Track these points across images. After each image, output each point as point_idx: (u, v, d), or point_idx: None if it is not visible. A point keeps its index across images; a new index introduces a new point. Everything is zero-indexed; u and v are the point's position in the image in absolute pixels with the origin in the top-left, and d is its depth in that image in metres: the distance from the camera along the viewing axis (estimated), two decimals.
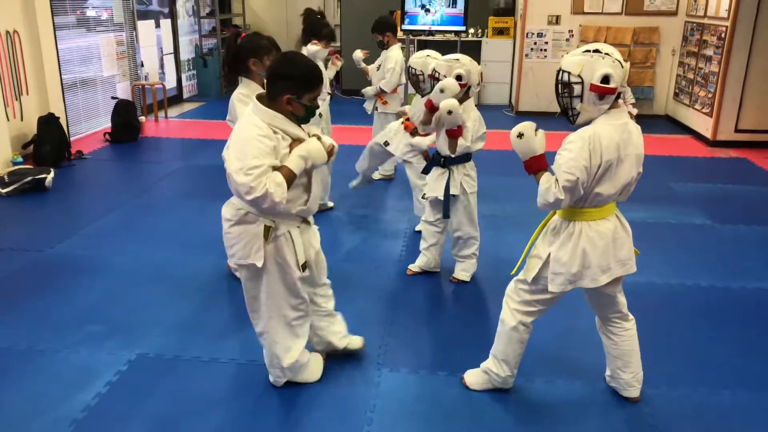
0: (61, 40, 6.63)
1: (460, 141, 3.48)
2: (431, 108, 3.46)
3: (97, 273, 3.91)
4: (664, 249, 4.40)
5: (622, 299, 2.64)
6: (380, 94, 5.33)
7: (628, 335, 2.67)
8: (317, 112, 4.30)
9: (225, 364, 2.96)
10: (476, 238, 3.81)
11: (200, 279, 3.84)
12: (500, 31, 9.12)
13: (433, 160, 3.69)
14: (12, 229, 4.65)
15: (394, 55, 5.27)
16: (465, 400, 2.76)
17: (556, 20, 8.53)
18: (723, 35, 7.01)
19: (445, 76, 3.53)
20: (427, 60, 4.08)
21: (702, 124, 7.53)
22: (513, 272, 2.69)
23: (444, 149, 3.56)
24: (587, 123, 2.40)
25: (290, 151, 2.46)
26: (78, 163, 6.29)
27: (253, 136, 2.40)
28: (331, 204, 5.03)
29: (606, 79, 2.31)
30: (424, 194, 3.79)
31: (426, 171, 3.77)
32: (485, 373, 2.79)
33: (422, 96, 4.10)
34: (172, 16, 9.07)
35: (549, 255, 2.49)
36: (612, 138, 2.35)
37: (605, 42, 8.33)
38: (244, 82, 3.43)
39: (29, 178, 5.33)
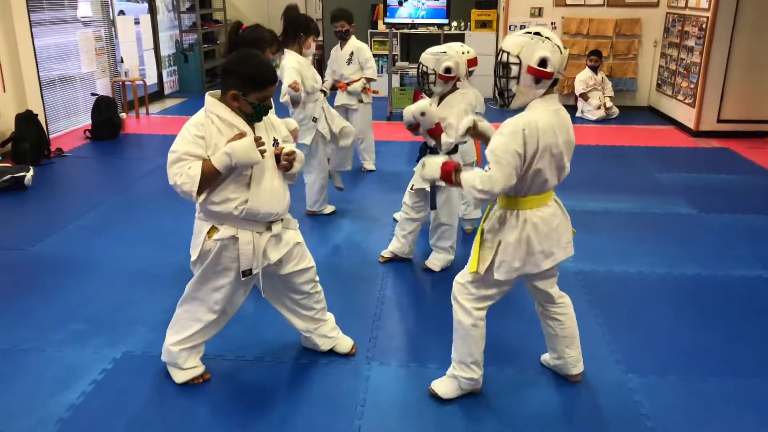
0: (37, 36, 6.50)
1: (444, 138, 3.45)
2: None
3: (78, 271, 3.84)
4: (651, 239, 4.42)
5: (556, 280, 2.66)
6: (366, 85, 5.42)
7: (570, 312, 2.71)
8: (312, 116, 4.28)
9: (212, 360, 2.91)
10: (453, 229, 3.82)
11: (183, 276, 3.76)
12: (483, 24, 9.11)
13: (421, 151, 3.68)
14: None
15: (363, 44, 5.41)
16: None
17: (539, 12, 8.53)
18: (704, 26, 7.06)
19: (434, 70, 3.51)
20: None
21: (685, 114, 7.58)
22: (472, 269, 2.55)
23: (430, 141, 3.55)
24: (522, 107, 2.38)
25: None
26: (58, 160, 6.18)
27: (186, 125, 2.45)
28: (329, 209, 4.80)
29: (543, 62, 2.28)
30: (412, 185, 3.78)
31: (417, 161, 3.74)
32: (454, 379, 2.70)
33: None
34: (152, 11, 8.95)
35: (499, 243, 2.45)
36: (548, 122, 2.33)
37: (588, 34, 8.40)
38: None
39: (8, 177, 5.23)
